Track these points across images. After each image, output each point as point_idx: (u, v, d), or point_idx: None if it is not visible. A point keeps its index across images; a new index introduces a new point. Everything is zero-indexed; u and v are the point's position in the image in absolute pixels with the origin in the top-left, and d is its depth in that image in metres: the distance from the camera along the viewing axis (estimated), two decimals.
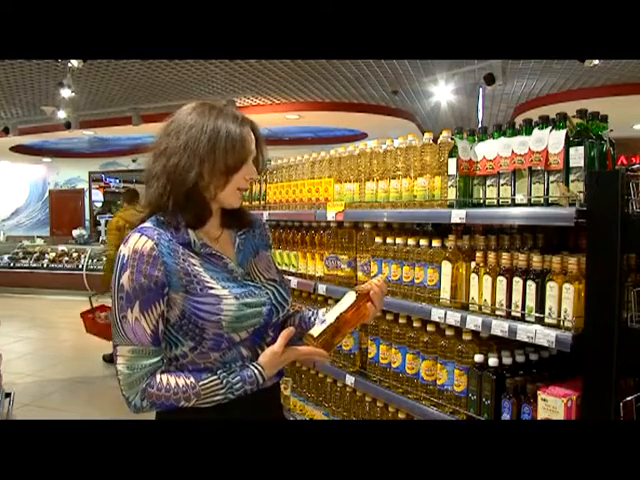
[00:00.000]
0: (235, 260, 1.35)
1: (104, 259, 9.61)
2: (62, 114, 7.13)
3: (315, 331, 1.32)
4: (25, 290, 9.37)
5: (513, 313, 1.71)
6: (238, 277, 1.33)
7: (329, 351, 1.33)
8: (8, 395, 3.48)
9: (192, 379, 1.24)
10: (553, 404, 1.56)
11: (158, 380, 1.22)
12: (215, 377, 1.25)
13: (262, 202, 3.21)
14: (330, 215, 2.52)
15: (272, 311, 1.34)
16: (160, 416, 1.31)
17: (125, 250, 1.23)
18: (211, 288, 1.25)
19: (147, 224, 1.29)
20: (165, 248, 1.24)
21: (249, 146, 1.31)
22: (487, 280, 1.80)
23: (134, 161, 13.19)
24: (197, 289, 1.24)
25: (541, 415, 1.59)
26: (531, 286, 1.65)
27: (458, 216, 1.87)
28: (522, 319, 1.68)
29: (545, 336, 1.57)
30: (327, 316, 1.35)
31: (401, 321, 2.20)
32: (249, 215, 1.46)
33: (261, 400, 1.33)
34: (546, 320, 1.61)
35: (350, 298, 1.36)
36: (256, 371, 1.27)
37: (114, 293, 1.23)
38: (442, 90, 6.71)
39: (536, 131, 1.73)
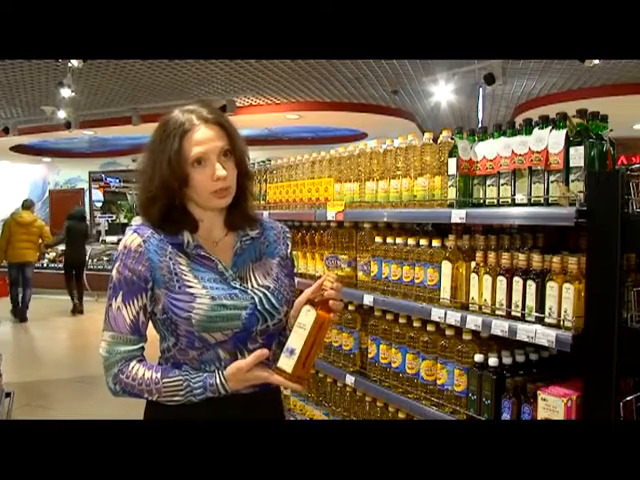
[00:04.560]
0: (229, 263, 1.35)
1: (104, 259, 9.74)
2: (62, 114, 7.13)
3: (286, 365, 1.25)
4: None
5: (513, 313, 1.71)
6: (228, 279, 1.33)
7: (304, 381, 1.27)
8: (8, 395, 3.48)
9: (159, 374, 1.27)
10: (553, 404, 1.56)
11: (130, 368, 1.28)
12: (179, 378, 1.27)
13: (262, 202, 3.21)
14: (330, 215, 2.52)
15: (255, 317, 1.31)
16: (157, 415, 1.32)
17: (119, 245, 1.33)
18: (189, 287, 1.28)
19: (147, 224, 1.35)
20: (153, 246, 1.30)
21: (196, 151, 1.25)
22: (487, 280, 1.80)
23: (134, 161, 13.15)
24: (175, 286, 1.28)
25: (541, 415, 1.59)
26: (531, 286, 1.65)
27: (458, 216, 1.87)
28: (522, 319, 1.68)
29: (545, 336, 1.57)
30: (292, 342, 1.26)
31: (401, 321, 2.20)
32: (254, 220, 1.43)
33: (259, 400, 1.33)
34: (546, 320, 1.61)
35: (310, 316, 1.26)
36: (218, 381, 1.26)
37: (108, 283, 1.33)
38: (442, 90, 6.71)
39: (536, 131, 1.73)
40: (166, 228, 1.32)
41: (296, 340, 1.26)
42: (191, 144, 1.26)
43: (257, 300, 1.33)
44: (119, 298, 1.29)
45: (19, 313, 7.95)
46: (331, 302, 1.29)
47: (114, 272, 1.30)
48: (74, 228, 8.29)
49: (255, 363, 1.25)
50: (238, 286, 1.33)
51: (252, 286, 1.35)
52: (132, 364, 1.28)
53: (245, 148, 1.37)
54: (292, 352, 1.25)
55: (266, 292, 1.36)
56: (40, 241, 8.07)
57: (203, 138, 1.27)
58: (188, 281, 1.29)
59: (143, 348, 1.33)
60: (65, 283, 8.56)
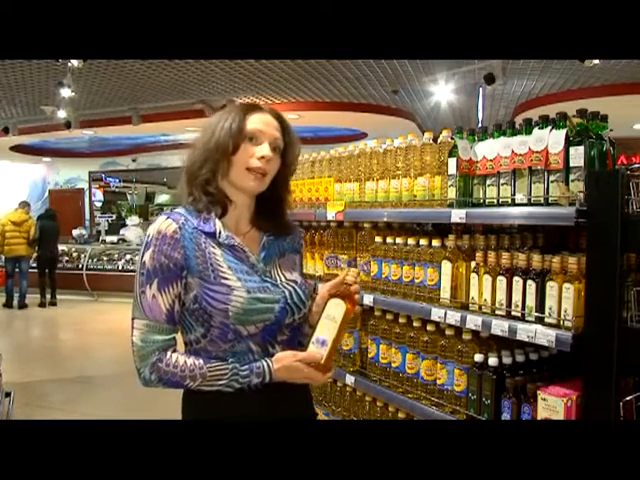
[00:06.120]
0: (258, 256, 1.37)
1: (104, 259, 9.81)
2: (62, 114, 7.13)
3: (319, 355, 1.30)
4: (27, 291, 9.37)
5: (513, 313, 1.71)
6: (259, 272, 1.35)
7: (332, 368, 1.33)
8: (8, 395, 3.48)
9: (201, 360, 1.28)
10: (553, 404, 1.56)
11: (168, 356, 1.27)
12: (224, 363, 1.28)
13: None
14: (330, 215, 2.52)
15: (285, 310, 1.34)
16: (193, 406, 1.34)
17: (151, 230, 1.30)
18: (225, 278, 1.29)
19: (178, 209, 1.36)
20: (188, 233, 1.30)
21: (253, 126, 1.33)
22: (487, 280, 1.80)
23: (134, 161, 13.18)
24: (211, 277, 1.28)
25: (541, 415, 1.59)
26: (531, 286, 1.65)
27: (458, 216, 1.87)
28: (522, 319, 1.68)
29: (545, 336, 1.57)
30: (322, 333, 1.31)
31: (401, 321, 2.20)
32: (288, 226, 1.47)
33: (284, 397, 1.33)
34: (546, 320, 1.61)
35: (340, 309, 1.31)
36: (265, 364, 1.29)
37: (138, 269, 1.30)
38: (442, 90, 6.72)
39: (536, 131, 1.73)
40: (201, 200, 1.33)
41: (326, 331, 1.30)
42: (252, 121, 1.34)
43: (287, 294, 1.36)
44: (154, 285, 1.27)
45: (18, 302, 8.78)
46: (357, 295, 1.36)
47: (147, 258, 1.27)
48: (46, 227, 8.90)
49: (307, 360, 1.29)
50: (269, 279, 1.35)
51: (280, 280, 1.38)
52: (169, 353, 1.28)
53: (295, 159, 1.43)
54: (324, 343, 1.29)
55: (295, 286, 1.39)
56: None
57: (265, 121, 1.35)
58: (223, 272, 1.29)
59: (175, 338, 1.32)
60: (37, 279, 9.00)
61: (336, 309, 1.31)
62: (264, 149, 1.32)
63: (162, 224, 1.29)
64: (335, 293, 1.35)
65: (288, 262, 1.44)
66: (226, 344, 1.30)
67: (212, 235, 1.32)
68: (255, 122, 1.33)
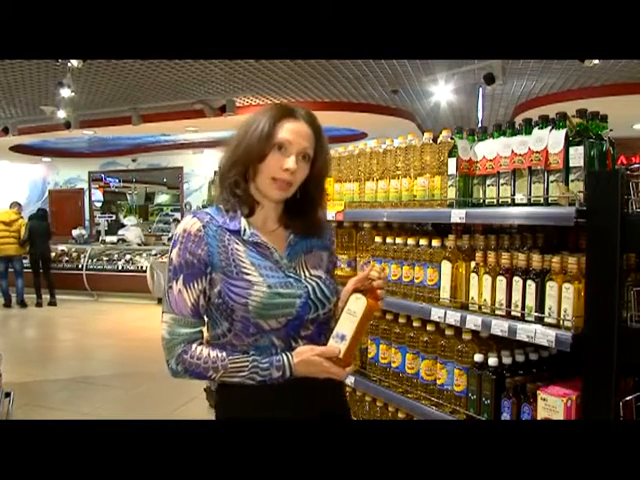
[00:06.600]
0: (283, 253, 1.39)
1: (104, 259, 9.83)
2: (62, 114, 7.13)
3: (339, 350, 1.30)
4: (25, 290, 9.39)
5: (513, 313, 1.72)
6: (282, 268, 1.36)
7: (350, 366, 1.33)
8: (8, 395, 3.47)
9: (224, 353, 1.31)
10: (553, 404, 1.56)
11: (193, 348, 1.31)
12: (246, 356, 1.31)
13: None
14: (330, 215, 2.52)
15: (308, 305, 1.35)
16: (227, 397, 1.36)
17: (178, 228, 1.36)
18: (246, 274, 1.31)
19: (206, 209, 1.40)
20: (212, 231, 1.34)
21: (283, 136, 1.32)
22: (487, 280, 1.80)
23: (134, 161, 13.18)
24: (233, 272, 1.31)
25: (541, 415, 1.60)
26: (531, 286, 1.65)
27: (458, 216, 1.87)
28: (522, 319, 1.69)
29: (545, 336, 1.57)
30: (342, 328, 1.31)
31: (401, 321, 2.20)
32: (317, 226, 1.46)
33: (313, 392, 1.34)
34: (546, 320, 1.61)
35: (360, 304, 1.32)
36: (284, 357, 1.30)
37: (167, 265, 1.36)
38: (442, 90, 6.72)
39: (536, 131, 1.73)
40: (229, 200, 1.36)
41: (346, 326, 1.31)
42: (282, 130, 1.33)
43: (310, 289, 1.37)
44: (180, 281, 1.31)
45: (17, 301, 8.92)
46: (379, 291, 1.36)
47: (174, 255, 1.33)
48: (35, 227, 9.01)
49: (325, 354, 1.29)
50: (292, 275, 1.37)
51: (305, 276, 1.39)
52: (195, 345, 1.32)
53: (326, 164, 1.43)
54: (343, 338, 1.30)
55: (318, 282, 1.40)
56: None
57: (296, 131, 1.34)
58: (245, 268, 1.32)
59: (202, 332, 1.35)
60: (32, 279, 9.05)
61: (357, 304, 1.33)
62: (290, 162, 1.32)
63: (187, 222, 1.34)
64: (358, 288, 1.37)
65: (314, 258, 1.45)
66: (249, 338, 1.32)
67: (237, 233, 1.35)
68: (285, 131, 1.33)
